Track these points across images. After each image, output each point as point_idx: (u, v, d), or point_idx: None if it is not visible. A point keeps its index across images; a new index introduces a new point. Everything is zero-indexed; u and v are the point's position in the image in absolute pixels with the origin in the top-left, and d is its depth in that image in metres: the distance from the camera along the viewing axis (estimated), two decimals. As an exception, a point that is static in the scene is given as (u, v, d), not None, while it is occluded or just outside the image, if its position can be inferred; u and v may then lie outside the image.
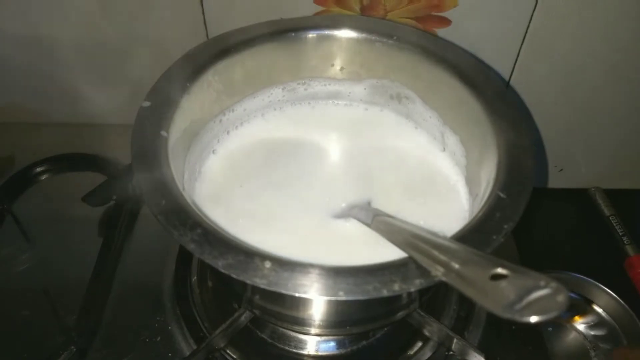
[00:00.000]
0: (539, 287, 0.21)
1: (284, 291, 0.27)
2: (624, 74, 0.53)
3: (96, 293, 0.44)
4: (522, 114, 0.35)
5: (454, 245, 0.27)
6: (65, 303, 0.45)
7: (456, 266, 0.25)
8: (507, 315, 0.21)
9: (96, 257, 0.46)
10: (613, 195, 0.64)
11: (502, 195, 0.30)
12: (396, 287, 0.27)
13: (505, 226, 0.29)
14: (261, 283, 0.27)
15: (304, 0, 0.48)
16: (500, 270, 0.22)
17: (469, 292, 0.23)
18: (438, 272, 0.25)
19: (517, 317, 0.20)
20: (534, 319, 0.20)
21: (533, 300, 0.21)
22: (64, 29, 0.52)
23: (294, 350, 0.42)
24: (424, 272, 0.27)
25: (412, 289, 0.27)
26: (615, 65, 0.52)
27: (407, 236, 0.29)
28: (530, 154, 0.32)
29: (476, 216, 0.30)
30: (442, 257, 0.26)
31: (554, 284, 0.21)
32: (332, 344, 0.43)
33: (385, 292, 0.27)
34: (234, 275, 0.27)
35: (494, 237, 0.28)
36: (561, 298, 0.20)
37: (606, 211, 0.63)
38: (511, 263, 0.23)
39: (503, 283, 0.22)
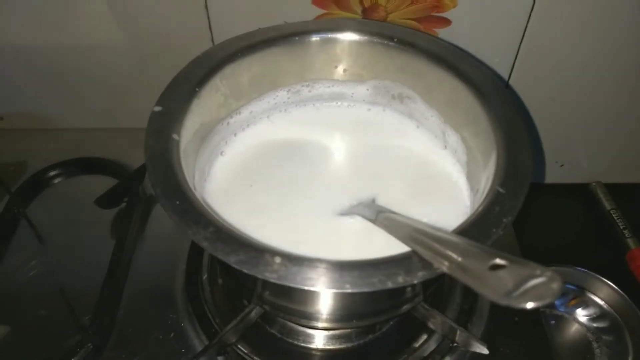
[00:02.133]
0: (535, 276, 0.22)
1: (293, 285, 0.28)
2: (623, 70, 0.54)
3: (110, 293, 0.45)
4: (520, 111, 0.36)
5: (454, 239, 0.28)
6: (81, 303, 0.46)
7: (457, 258, 0.26)
8: (504, 302, 0.22)
9: (109, 258, 0.47)
10: (614, 190, 0.65)
11: (501, 190, 0.31)
12: (400, 279, 0.28)
13: (504, 220, 0.30)
14: (272, 277, 0.28)
15: (306, 4, 0.49)
16: (498, 261, 0.24)
17: (469, 282, 0.24)
18: (440, 264, 0.27)
19: (515, 304, 0.21)
20: (530, 305, 0.21)
21: (529, 287, 0.22)
22: (72, 36, 0.53)
23: (303, 345, 0.43)
24: (426, 265, 0.28)
25: (416, 281, 0.28)
26: (614, 62, 0.53)
27: (410, 231, 0.31)
28: (528, 149, 0.33)
29: (476, 211, 0.31)
30: (444, 250, 0.27)
31: (548, 273, 0.22)
32: (339, 338, 0.43)
33: (390, 284, 0.28)
34: (245, 271, 0.28)
35: (494, 230, 0.29)
36: (555, 285, 0.21)
37: (607, 205, 0.64)
38: (508, 253, 0.24)
39: (501, 273, 0.23)
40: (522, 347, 0.43)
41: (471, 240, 0.28)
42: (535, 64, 0.53)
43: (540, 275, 0.22)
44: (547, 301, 0.21)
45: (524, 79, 0.55)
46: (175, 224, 0.30)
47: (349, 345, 0.43)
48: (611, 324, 0.54)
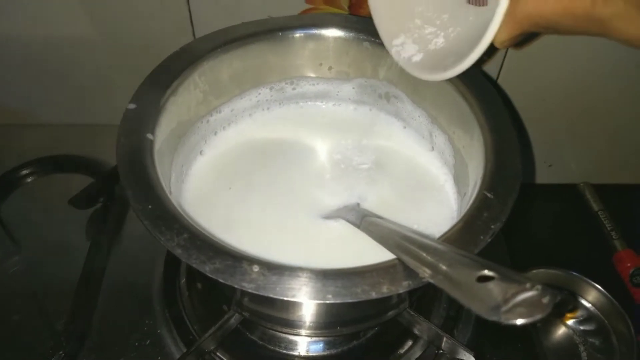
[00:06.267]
0: (525, 290, 0.21)
1: (272, 295, 0.27)
2: (612, 70, 0.54)
3: (85, 297, 0.44)
4: (510, 112, 0.35)
5: (441, 247, 0.27)
6: (54, 307, 0.44)
7: (443, 268, 0.25)
8: (493, 317, 0.21)
9: (84, 260, 0.45)
10: (602, 191, 0.64)
11: (489, 195, 0.30)
12: (384, 289, 0.27)
13: (493, 226, 0.29)
14: (249, 287, 0.27)
15: (292, -2, 0.48)
16: (486, 272, 0.22)
17: (455, 293, 0.23)
18: (426, 274, 0.25)
19: (503, 320, 0.20)
20: (519, 321, 0.20)
21: (519, 302, 0.21)
22: (48, 29, 0.51)
23: (285, 352, 0.42)
24: (411, 274, 0.27)
25: (400, 291, 0.27)
26: (603, 62, 0.53)
27: (395, 237, 0.29)
28: (517, 153, 0.32)
29: (464, 217, 0.30)
30: (430, 259, 0.26)
31: (539, 287, 0.21)
32: (323, 344, 0.42)
33: (373, 295, 0.27)
34: (221, 280, 0.27)
35: (481, 237, 0.28)
36: (546, 300, 0.20)
37: (595, 206, 0.63)
38: (498, 264, 0.23)
39: (490, 285, 0.22)
40: (509, 353, 0.43)
41: (458, 248, 0.26)
42: (525, 63, 0.52)
43: (530, 289, 0.21)
44: (537, 317, 0.20)
45: (513, 78, 0.54)
46: (147, 230, 0.28)
47: (333, 351, 0.42)
48: (598, 326, 0.54)
